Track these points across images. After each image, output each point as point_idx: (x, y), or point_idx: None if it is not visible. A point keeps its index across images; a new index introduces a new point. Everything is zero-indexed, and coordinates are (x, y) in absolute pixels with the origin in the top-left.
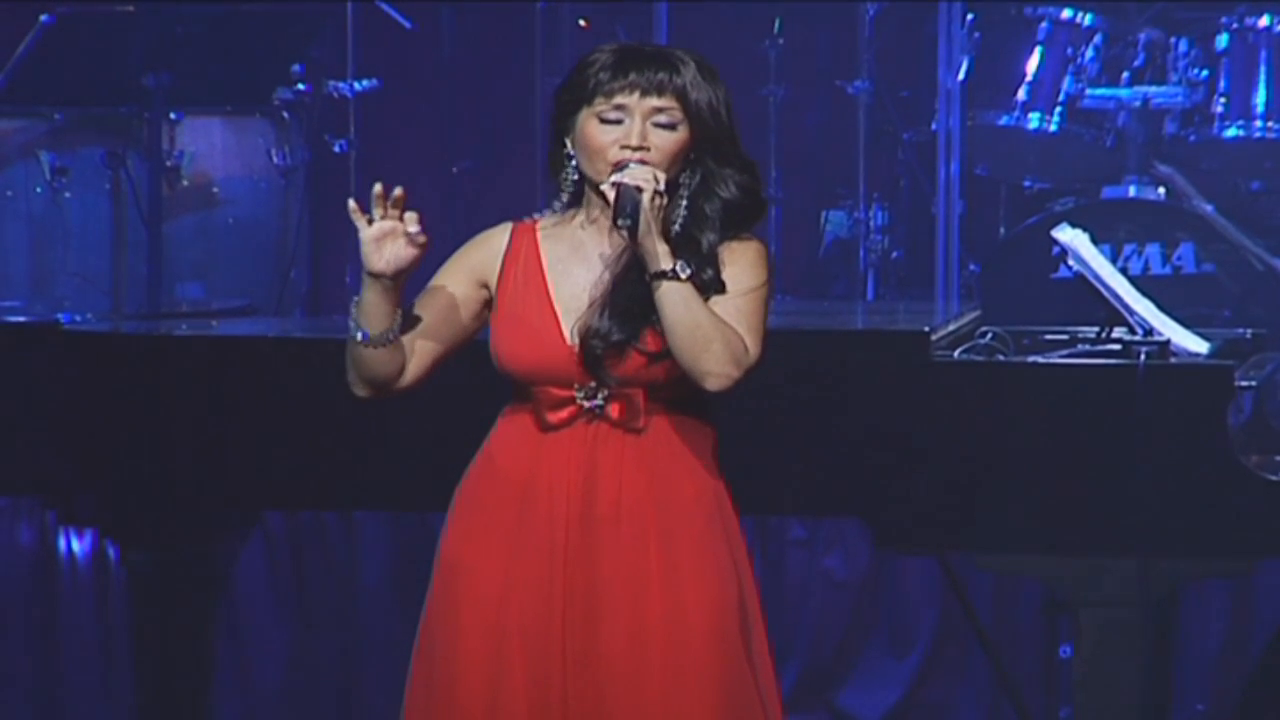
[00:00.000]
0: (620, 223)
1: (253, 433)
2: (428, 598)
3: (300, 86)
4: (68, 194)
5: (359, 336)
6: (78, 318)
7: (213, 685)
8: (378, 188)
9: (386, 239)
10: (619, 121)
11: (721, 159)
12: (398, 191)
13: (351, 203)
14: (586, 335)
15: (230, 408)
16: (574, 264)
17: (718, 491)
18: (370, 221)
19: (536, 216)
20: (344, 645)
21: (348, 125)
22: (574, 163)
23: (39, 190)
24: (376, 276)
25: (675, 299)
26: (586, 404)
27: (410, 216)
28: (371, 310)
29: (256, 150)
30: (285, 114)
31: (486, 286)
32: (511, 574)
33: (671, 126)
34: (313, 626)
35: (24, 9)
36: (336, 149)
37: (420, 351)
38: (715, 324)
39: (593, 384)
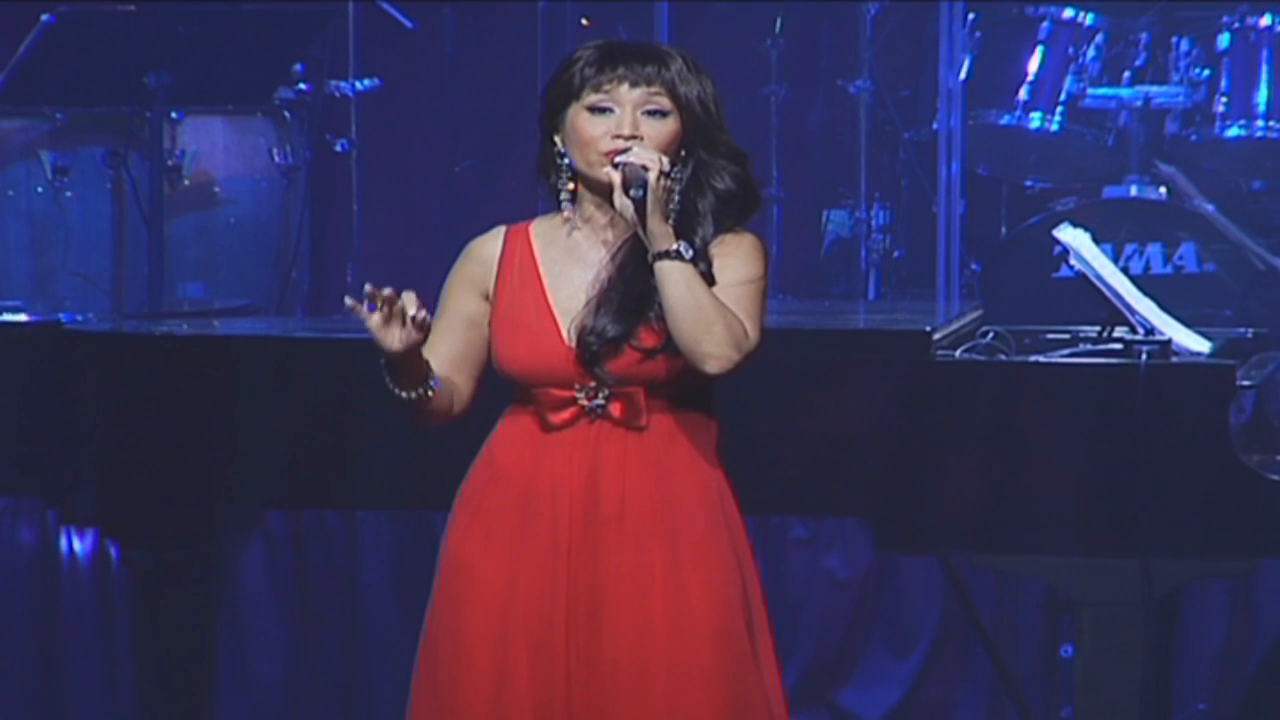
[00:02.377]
0: (632, 194)
1: (253, 433)
2: (431, 598)
3: (302, 86)
4: (69, 193)
5: (404, 397)
6: (79, 317)
7: (214, 685)
8: (368, 288)
9: (393, 323)
10: (609, 112)
11: (713, 150)
12: (386, 291)
13: (348, 300)
14: (583, 333)
15: (231, 408)
16: (569, 265)
17: (720, 485)
18: (371, 310)
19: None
20: (345, 645)
21: (349, 125)
22: (566, 160)
23: (40, 190)
24: (394, 355)
25: (678, 279)
26: (588, 404)
27: (409, 298)
28: (404, 377)
29: (258, 150)
30: (287, 113)
31: (488, 297)
32: (515, 574)
33: (662, 115)
34: (314, 626)
35: (24, 9)
36: (338, 149)
37: (461, 379)
38: (717, 306)
39: (593, 384)
